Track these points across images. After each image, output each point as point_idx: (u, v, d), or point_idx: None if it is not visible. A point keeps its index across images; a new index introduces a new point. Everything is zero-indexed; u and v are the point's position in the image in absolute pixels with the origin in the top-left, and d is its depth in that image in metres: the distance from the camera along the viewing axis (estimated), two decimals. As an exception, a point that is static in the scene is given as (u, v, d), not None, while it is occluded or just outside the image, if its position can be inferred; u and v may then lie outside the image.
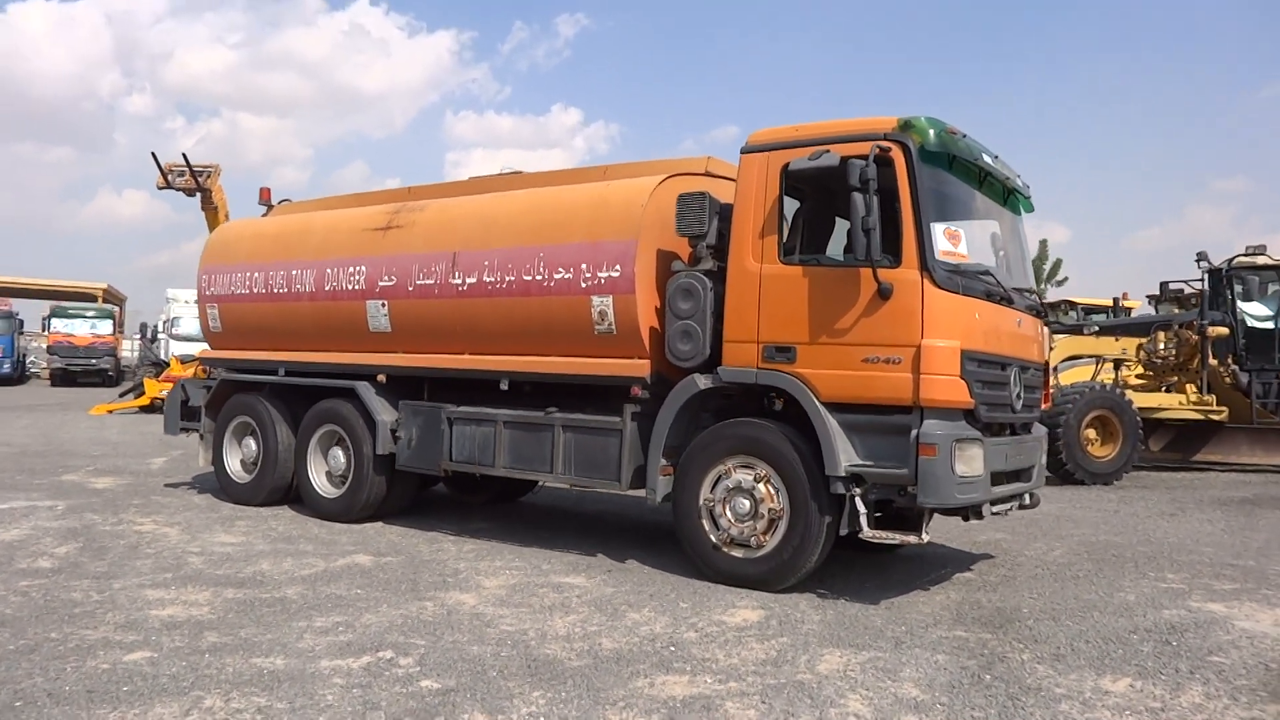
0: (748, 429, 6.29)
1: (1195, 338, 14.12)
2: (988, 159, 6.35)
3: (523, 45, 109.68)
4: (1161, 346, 14.31)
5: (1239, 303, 15.07)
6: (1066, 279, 34.24)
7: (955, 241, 5.83)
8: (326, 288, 8.61)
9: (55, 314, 35.28)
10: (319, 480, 8.71)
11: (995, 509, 6.26)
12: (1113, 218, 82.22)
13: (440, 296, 7.80)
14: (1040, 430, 7.05)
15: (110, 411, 21.20)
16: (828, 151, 5.92)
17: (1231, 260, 15.27)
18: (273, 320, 9.15)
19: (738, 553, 6.28)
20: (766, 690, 4.30)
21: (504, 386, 7.58)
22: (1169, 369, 14.41)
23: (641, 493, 6.75)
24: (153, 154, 21.63)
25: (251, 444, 9.28)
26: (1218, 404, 14.28)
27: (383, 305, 8.21)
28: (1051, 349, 13.54)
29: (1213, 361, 14.38)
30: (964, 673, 4.61)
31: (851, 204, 5.67)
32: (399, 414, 8.15)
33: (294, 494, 9.00)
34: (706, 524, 6.38)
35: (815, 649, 4.92)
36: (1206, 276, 15.33)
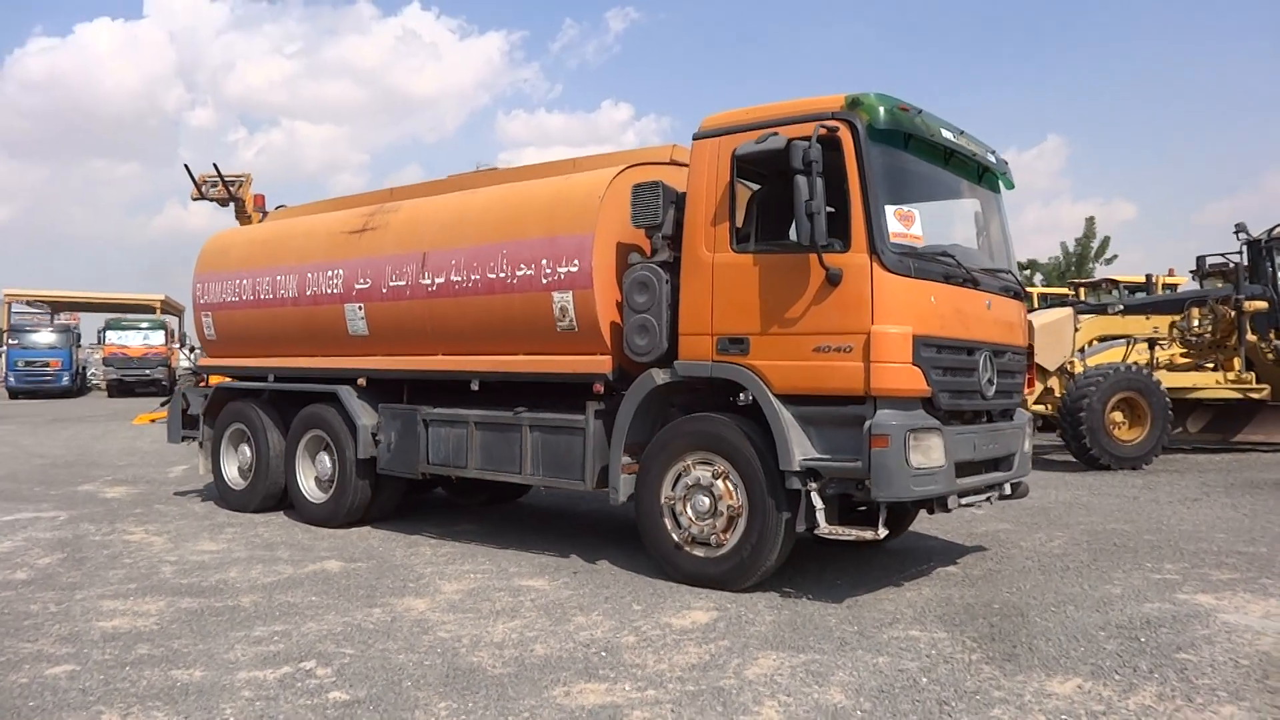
0: (705, 424, 6.11)
1: (1232, 313, 13.49)
2: (949, 135, 6.05)
3: (573, 43, 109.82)
4: (1196, 323, 13.70)
5: (1280, 275, 14.35)
6: (1116, 257, 33.19)
7: (908, 223, 5.57)
8: (308, 292, 8.62)
9: (110, 326, 36.28)
10: (307, 485, 8.73)
11: (965, 501, 5.98)
12: (1182, 191, 79.39)
13: (412, 298, 7.74)
14: (1023, 417, 6.73)
15: (152, 421, 21.70)
16: (775, 134, 5.70)
17: (1271, 231, 14.55)
18: (262, 327, 9.20)
19: (699, 552, 6.10)
20: (681, 698, 4.13)
21: (474, 387, 7.49)
22: (1205, 346, 13.80)
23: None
24: (185, 166, 22.05)
25: (247, 451, 9.35)
26: (1258, 381, 13.64)
27: (360, 308, 8.18)
28: (1077, 330, 13.10)
29: (1253, 337, 13.74)
30: (900, 676, 4.38)
31: (795, 187, 5.45)
32: (379, 418, 8.13)
33: (288, 500, 9.04)
34: (668, 522, 6.22)
35: (752, 652, 4.73)
36: (1245, 249, 14.64)
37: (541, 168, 7.93)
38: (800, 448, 5.66)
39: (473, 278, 7.28)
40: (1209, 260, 15.76)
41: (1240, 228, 14.61)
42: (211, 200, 22.24)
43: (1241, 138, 77.83)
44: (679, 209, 6.33)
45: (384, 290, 7.95)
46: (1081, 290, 21.38)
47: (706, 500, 6.03)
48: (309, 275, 8.60)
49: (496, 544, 7.64)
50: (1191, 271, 19.45)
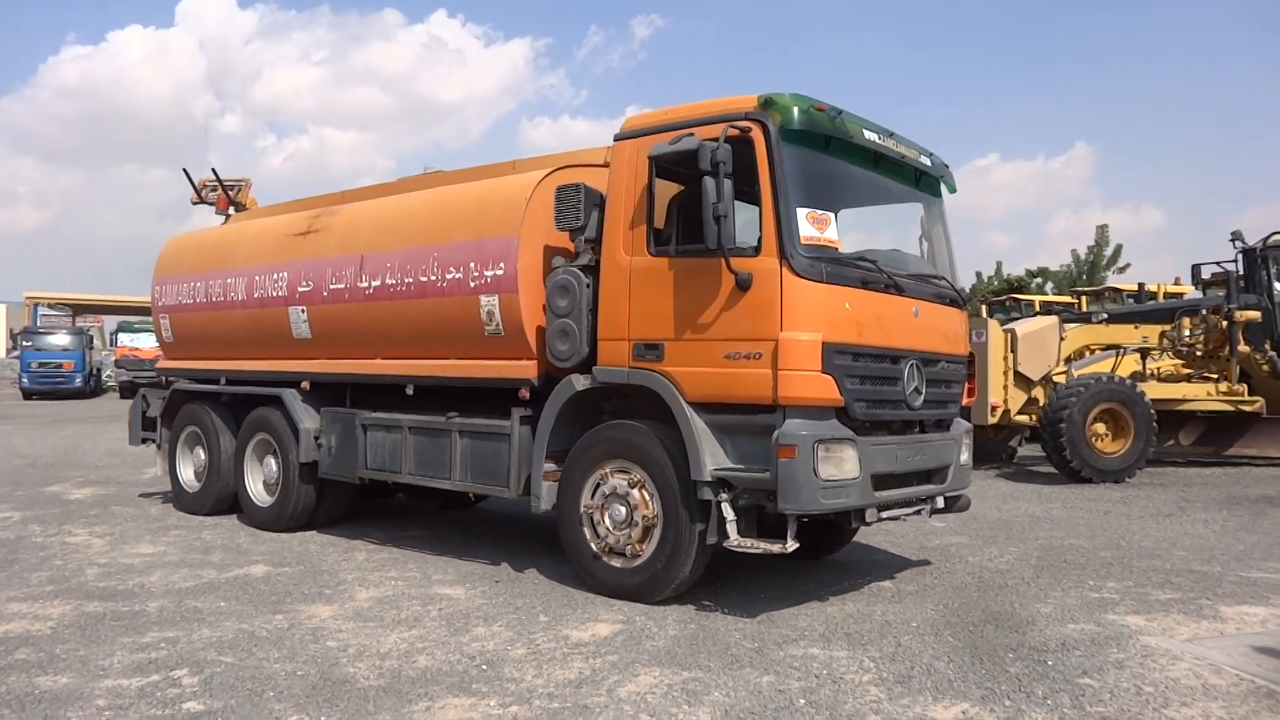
0: (623, 431, 5.97)
1: (1224, 323, 13.16)
2: (872, 137, 5.87)
3: (598, 49, 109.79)
4: (1187, 333, 13.37)
5: (1275, 284, 13.99)
6: (1129, 265, 32.58)
7: (821, 226, 5.39)
8: (255, 295, 8.56)
9: (122, 328, 36.59)
10: (255, 489, 8.66)
11: (887, 515, 5.79)
12: (1214, 198, 78.07)
13: (350, 300, 7.66)
14: (961, 427, 6.52)
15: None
16: (691, 135, 5.55)
17: (1267, 239, 14.19)
18: (213, 329, 9.15)
19: (616, 562, 5.95)
20: (543, 716, 3.98)
21: (409, 391, 7.39)
22: (1199, 357, 13.47)
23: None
24: (184, 170, 21.98)
25: (201, 454, 9.30)
26: (1251, 393, 13.29)
27: (303, 311, 8.11)
28: (1063, 339, 12.83)
29: (1246, 348, 13.39)
30: (779, 696, 4.21)
31: (703, 189, 5.30)
32: (320, 421, 8.04)
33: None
34: (587, 532, 6.07)
35: (636, 669, 4.57)
36: (1241, 257, 14.29)
37: (483, 170, 7.81)
38: (712, 458, 5.49)
39: (406, 281, 7.19)
40: (1205, 269, 15.39)
41: (1236, 235, 14.29)
42: (211, 204, 22.34)
43: (1276, 143, 76.55)
44: (603, 211, 6.20)
45: (325, 293, 7.87)
46: (1084, 299, 21.01)
47: (623, 510, 5.89)
48: (256, 278, 8.54)
49: (435, 550, 7.53)
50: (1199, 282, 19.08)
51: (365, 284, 7.50)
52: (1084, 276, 31.17)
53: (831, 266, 5.37)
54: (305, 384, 8.22)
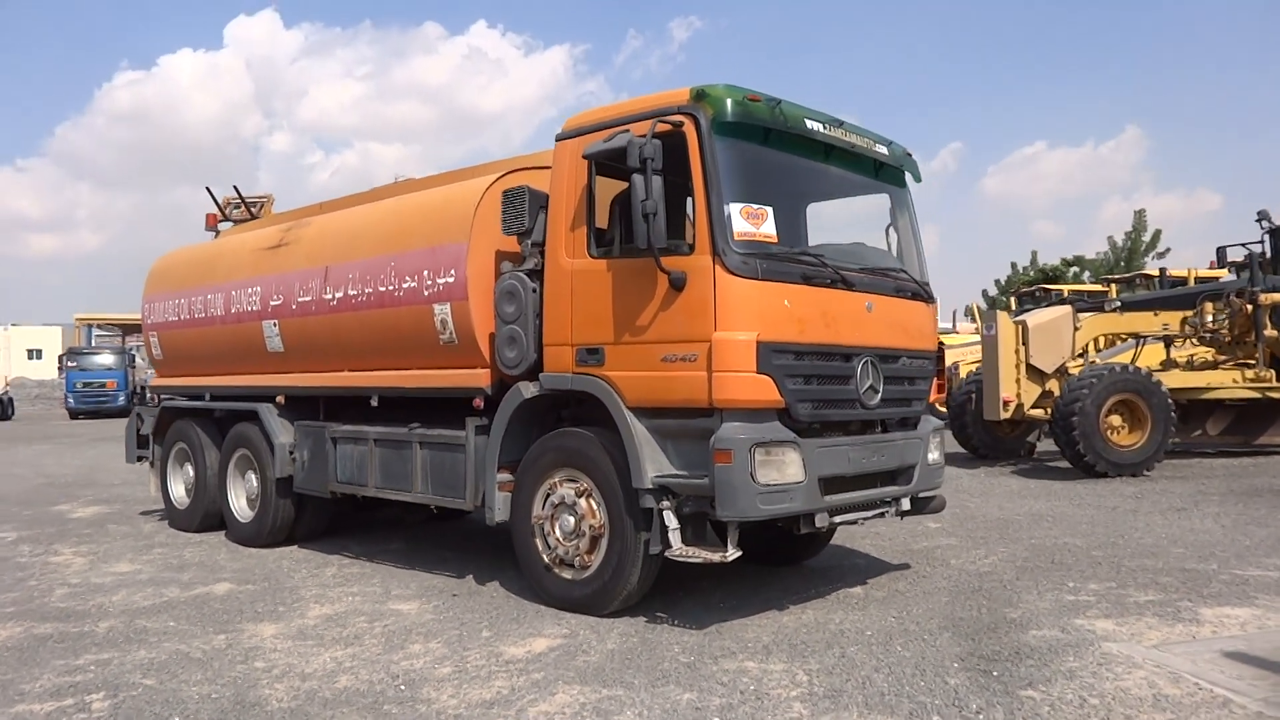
0: (570, 439, 5.81)
1: (1249, 306, 12.62)
2: (816, 127, 5.63)
3: (636, 54, 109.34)
4: (1210, 319, 12.85)
5: (1304, 265, 13.40)
6: (1169, 250, 31.55)
7: (758, 221, 5.19)
8: (233, 310, 8.56)
9: (163, 346, 37.25)
10: (238, 504, 8.65)
11: (842, 519, 5.56)
12: (1273, 178, 75.58)
13: (317, 313, 7.61)
14: (929, 425, 6.25)
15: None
16: (626, 132, 5.38)
17: (1295, 218, 13.60)
18: (197, 346, 9.18)
19: (566, 574, 5.80)
20: (440, 739, 3.84)
21: (374, 403, 7.32)
22: (1225, 343, 12.94)
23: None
24: (208, 189, 22.42)
25: (189, 470, 9.34)
26: (1280, 379, 12.72)
27: (275, 325, 8.08)
28: (1077, 329, 12.43)
29: (1274, 332, 12.81)
30: (695, 715, 4.02)
31: (632, 187, 5.13)
32: (295, 436, 8.01)
33: (228, 519, 8.97)
34: (539, 543, 5.93)
35: (557, 687, 4.41)
36: (1268, 238, 13.72)
37: (448, 176, 7.72)
38: (654, 464, 5.32)
39: (366, 291, 7.12)
40: (1230, 250, 14.79)
41: (1263, 215, 13.71)
42: (235, 222, 22.64)
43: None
44: (548, 214, 6.05)
45: (293, 306, 7.83)
46: (1114, 287, 20.37)
47: (571, 520, 5.73)
48: (233, 293, 8.55)
49: (408, 564, 7.44)
50: (1232, 264, 18.39)
51: (330, 296, 7.45)
52: (1122, 264, 30.30)
53: (768, 263, 5.16)
54: (280, 398, 8.20)
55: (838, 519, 5.52)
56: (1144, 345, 13.09)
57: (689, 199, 5.55)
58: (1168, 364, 12.94)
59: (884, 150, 6.17)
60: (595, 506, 5.62)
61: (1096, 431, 11.27)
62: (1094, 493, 10.39)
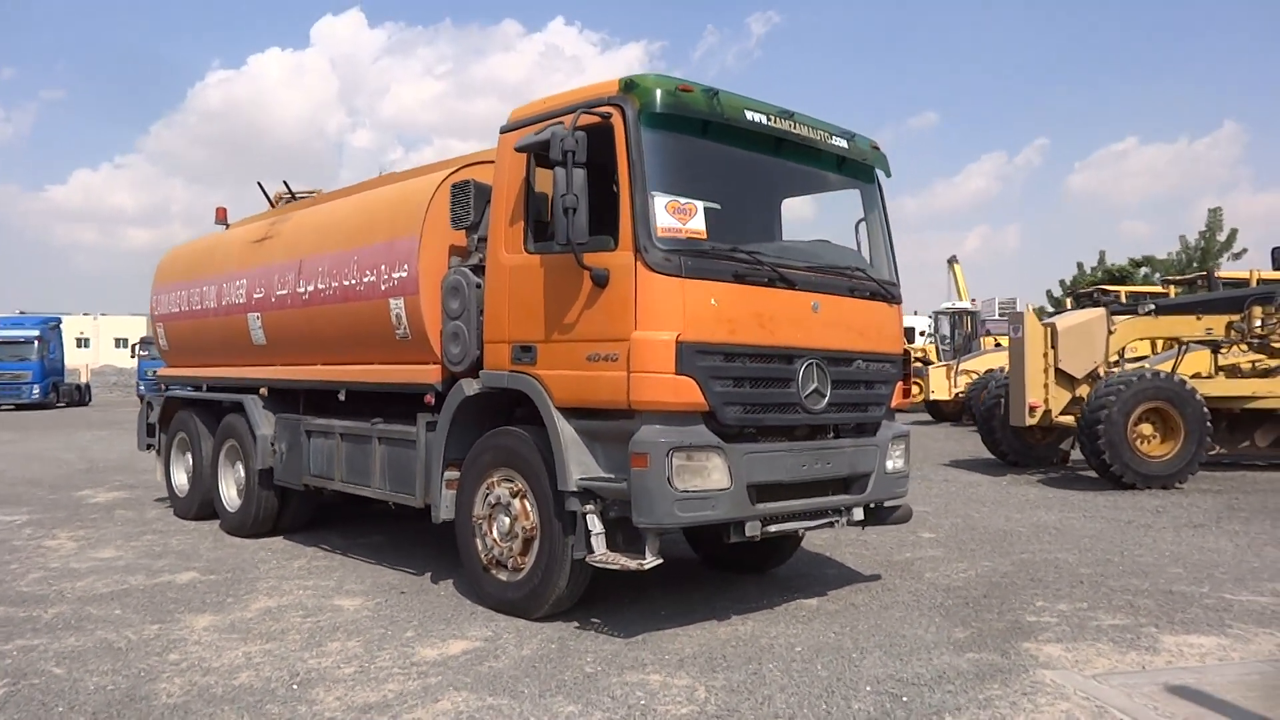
0: (508, 439, 5.68)
1: (1300, 312, 11.86)
2: (758, 118, 5.38)
3: (713, 50, 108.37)
4: (1259, 323, 12.10)
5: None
6: (1245, 251, 29.93)
7: (684, 216, 4.98)
8: (223, 303, 8.66)
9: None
10: (228, 494, 8.76)
11: (777, 528, 5.31)
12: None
13: (292, 306, 7.64)
14: (888, 432, 5.95)
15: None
16: (560, 124, 5.23)
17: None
18: (195, 337, 9.33)
19: (502, 575, 5.68)
20: (298, 743, 3.76)
21: (341, 397, 7.32)
22: (1271, 350, 12.19)
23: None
24: (259, 184, 22.95)
25: (189, 459, 9.49)
26: (1335, 390, 11.92)
27: (258, 317, 8.15)
28: (1112, 333, 11.87)
29: (1330, 339, 12.02)
30: (566, 730, 3.86)
31: (554, 180, 4.98)
32: (275, 427, 8.05)
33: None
34: (478, 543, 5.82)
35: (444, 693, 4.28)
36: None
37: (421, 169, 7.66)
38: (580, 466, 5.16)
39: (333, 285, 7.11)
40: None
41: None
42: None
43: None
44: (494, 209, 5.93)
45: (273, 299, 7.88)
46: (1173, 289, 19.41)
47: (507, 520, 5.61)
48: (223, 285, 8.65)
49: (375, 558, 7.42)
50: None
51: (303, 289, 7.47)
52: (1194, 265, 28.94)
53: (694, 260, 4.95)
54: (263, 390, 8.27)
55: (774, 528, 5.28)
56: (1186, 351, 12.41)
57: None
58: (1230, 370, 12.26)
59: (842, 143, 5.89)
60: (529, 508, 5.49)
61: (1124, 441, 10.71)
62: (1113, 505, 9.86)
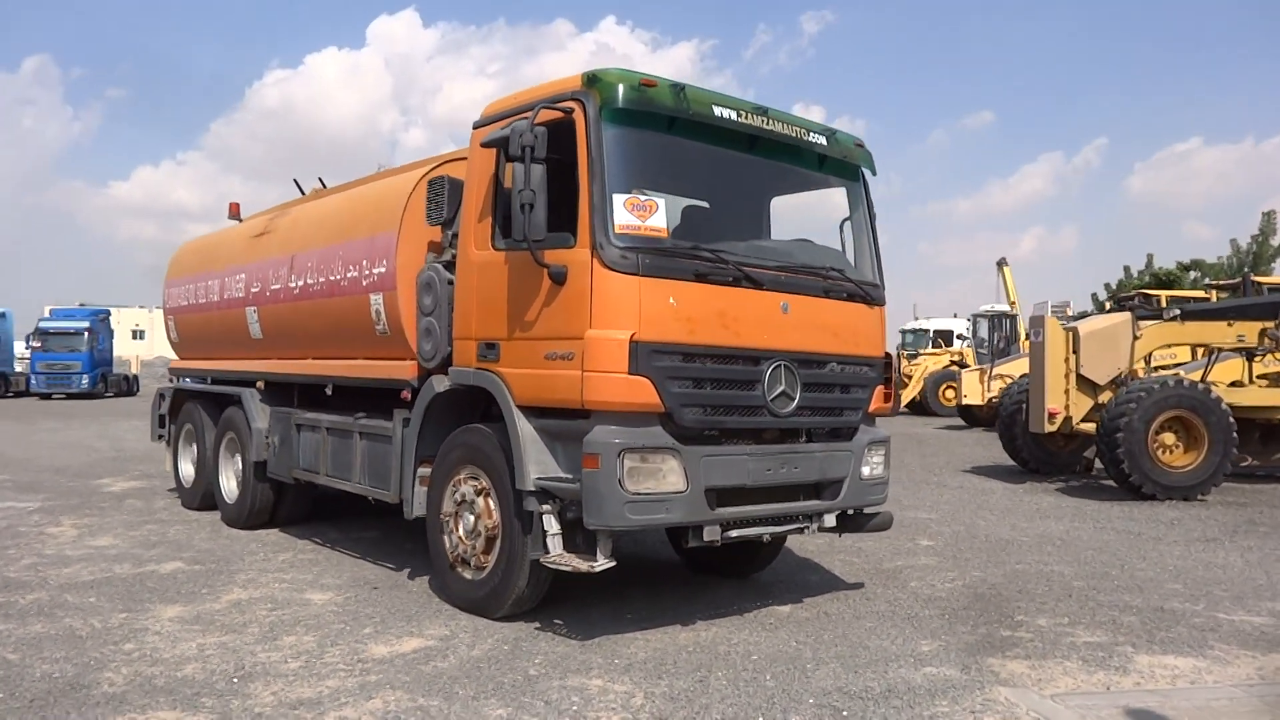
0: (473, 436, 5.63)
1: (1339, 319, 11.38)
2: (727, 114, 5.25)
3: (765, 49, 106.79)
4: (1294, 331, 11.64)
5: None
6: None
7: (644, 214, 4.88)
8: (225, 296, 8.75)
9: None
10: (227, 486, 8.84)
11: (739, 533, 5.20)
12: None
13: (284, 300, 7.68)
14: (863, 437, 5.79)
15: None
16: (524, 119, 5.16)
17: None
18: (201, 331, 9.45)
19: (467, 573, 5.64)
20: (217, 739, 3.74)
21: (329, 391, 7.35)
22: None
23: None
24: (295, 180, 23.27)
25: (195, 450, 9.62)
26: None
27: (255, 311, 8.21)
28: (1137, 338, 11.54)
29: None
30: (489, 734, 3.80)
31: (513, 176, 4.92)
32: (269, 421, 8.11)
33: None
34: (446, 541, 5.79)
35: (379, 692, 4.25)
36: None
37: (418, 165, 7.64)
38: (538, 465, 5.09)
39: (320, 279, 7.13)
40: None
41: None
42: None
43: None
44: (468, 205, 5.89)
45: (268, 293, 7.94)
46: (1215, 293, 18.79)
47: (472, 518, 5.57)
48: (225, 280, 8.74)
49: (362, 553, 7.43)
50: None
51: (294, 283, 7.50)
52: (1246, 269, 28.00)
53: (653, 258, 4.85)
54: (260, 384, 8.33)
55: (735, 533, 5.17)
56: (1217, 358, 11.99)
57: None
58: (1248, 379, 11.83)
59: (820, 140, 5.74)
60: (492, 506, 5.44)
61: (1144, 450, 10.37)
62: (1127, 516, 9.55)
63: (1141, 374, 11.91)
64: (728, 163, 5.52)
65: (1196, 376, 11.52)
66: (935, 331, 32.35)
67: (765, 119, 5.45)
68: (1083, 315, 14.19)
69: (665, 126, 5.13)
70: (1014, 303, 27.78)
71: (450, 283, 5.81)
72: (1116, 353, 11.55)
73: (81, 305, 40.12)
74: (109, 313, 40.02)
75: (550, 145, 4.97)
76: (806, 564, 7.21)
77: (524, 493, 5.09)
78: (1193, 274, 30.64)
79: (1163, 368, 13.46)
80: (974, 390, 21.35)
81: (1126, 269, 32.76)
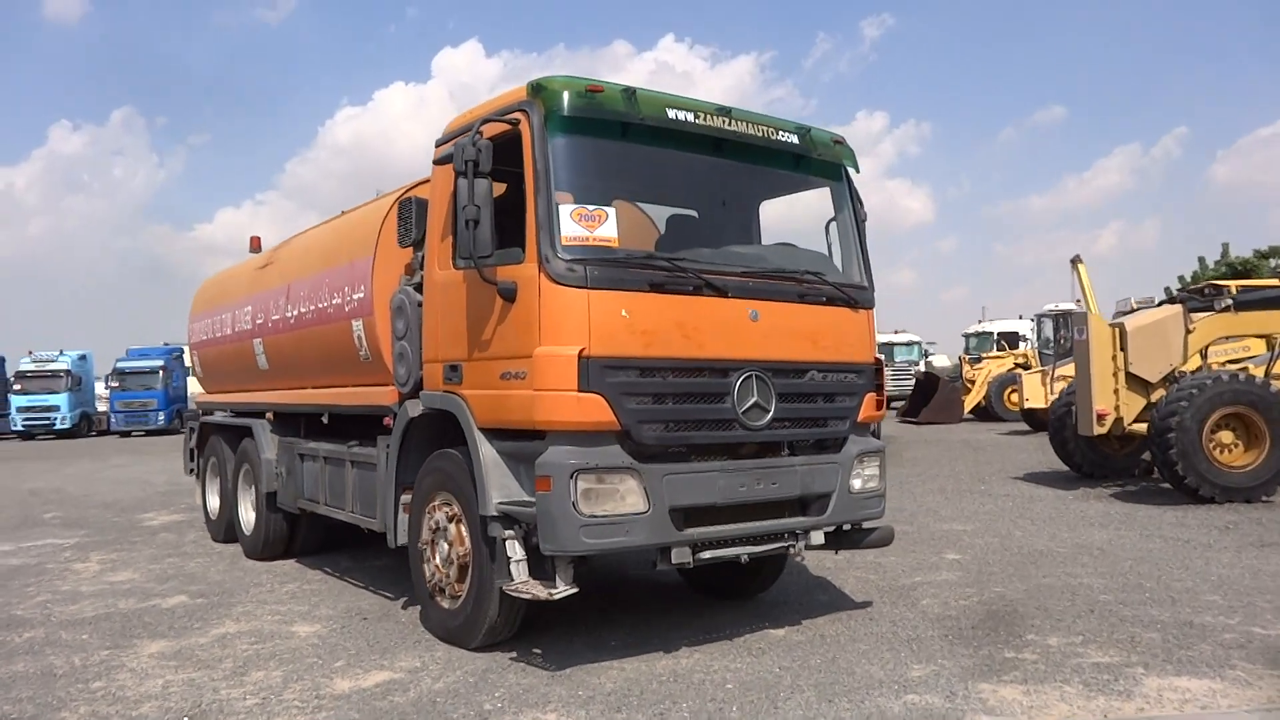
0: (445, 461, 5.48)
1: None
2: (683, 116, 5.02)
3: (826, 57, 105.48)
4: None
5: None
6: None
7: (592, 224, 4.68)
8: (236, 329, 8.82)
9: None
10: (245, 518, 8.86)
11: (713, 555, 4.93)
12: None
13: (283, 330, 7.69)
14: (857, 447, 5.48)
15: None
16: (478, 134, 5.02)
17: None
18: (219, 363, 9.55)
19: (444, 603, 5.49)
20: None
21: (325, 420, 7.30)
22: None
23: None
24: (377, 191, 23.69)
25: (219, 483, 9.71)
26: None
27: (260, 343, 8.24)
28: (1190, 331, 10.91)
29: None
30: (416, 776, 3.61)
31: (456, 192, 4.78)
32: (277, 451, 8.12)
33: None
34: (426, 569, 5.65)
35: (323, 730, 4.12)
36: None
37: (398, 189, 7.59)
38: (500, 490, 4.91)
39: (311, 308, 7.11)
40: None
41: None
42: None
43: None
44: (443, 225, 5.78)
45: (269, 324, 7.96)
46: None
47: (446, 546, 5.42)
48: (236, 312, 8.81)
49: (367, 583, 7.35)
50: None
51: (290, 313, 7.50)
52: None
53: (602, 270, 4.64)
54: (269, 414, 8.35)
55: (708, 555, 4.91)
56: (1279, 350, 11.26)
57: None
58: None
59: (791, 139, 5.47)
60: (464, 533, 5.28)
61: (1199, 450, 9.74)
62: (1179, 522, 8.96)
63: (1198, 369, 11.23)
64: (696, 168, 5.30)
65: (1260, 372, 10.82)
66: (1000, 334, 31.37)
67: (728, 119, 5.21)
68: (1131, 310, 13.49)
69: (619, 133, 4.93)
70: (1085, 300, 26.74)
71: (419, 305, 5.70)
72: (1168, 348, 10.92)
73: (166, 345, 41.42)
74: (183, 350, 41.26)
75: (501, 158, 4.83)
76: (818, 583, 6.88)
77: (488, 518, 4.92)
78: (1273, 261, 29.13)
79: (1234, 361, 12.70)
80: (1036, 393, 20.58)
81: (1201, 260, 31.33)
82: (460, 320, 5.21)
